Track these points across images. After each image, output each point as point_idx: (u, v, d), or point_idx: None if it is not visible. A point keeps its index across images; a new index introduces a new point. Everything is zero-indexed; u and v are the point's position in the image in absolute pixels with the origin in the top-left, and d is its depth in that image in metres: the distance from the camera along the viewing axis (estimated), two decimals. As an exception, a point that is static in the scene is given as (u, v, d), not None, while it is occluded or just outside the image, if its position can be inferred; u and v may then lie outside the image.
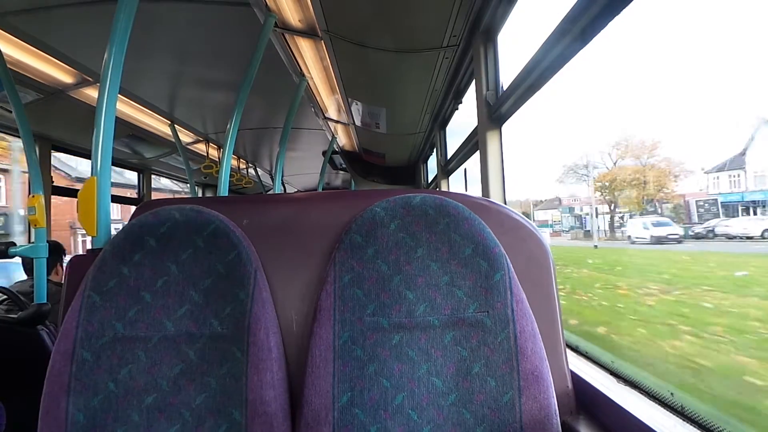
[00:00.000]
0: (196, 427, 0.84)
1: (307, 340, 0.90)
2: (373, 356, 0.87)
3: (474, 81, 1.91)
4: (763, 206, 2.39)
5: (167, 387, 0.86)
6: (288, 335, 0.96)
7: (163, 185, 6.94)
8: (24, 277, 2.56)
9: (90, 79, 2.47)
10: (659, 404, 0.94)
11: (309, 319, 0.94)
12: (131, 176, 4.58)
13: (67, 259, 2.50)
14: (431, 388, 0.86)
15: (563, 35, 1.09)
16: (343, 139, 4.43)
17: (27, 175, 2.22)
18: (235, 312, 0.89)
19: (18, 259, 2.44)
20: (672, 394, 0.94)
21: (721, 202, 2.68)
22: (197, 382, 0.86)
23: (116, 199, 4.12)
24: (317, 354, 0.87)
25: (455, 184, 3.27)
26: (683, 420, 0.88)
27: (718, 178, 2.74)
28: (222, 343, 0.88)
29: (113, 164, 1.27)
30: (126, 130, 3.35)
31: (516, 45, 1.69)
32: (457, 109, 2.80)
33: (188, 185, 4.58)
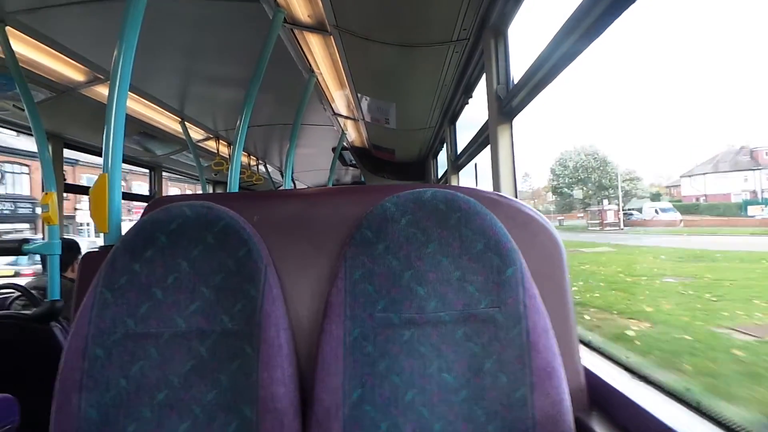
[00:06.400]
0: (207, 423, 0.84)
1: (318, 337, 0.90)
2: (384, 352, 0.87)
3: (484, 75, 1.89)
4: None
5: (178, 383, 0.86)
6: (298, 331, 0.96)
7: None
8: None
9: (101, 76, 2.48)
10: (674, 400, 0.92)
11: (319, 316, 0.94)
12: None
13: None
14: (442, 385, 0.85)
15: (576, 25, 1.07)
16: (352, 135, 4.42)
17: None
18: (246, 308, 0.89)
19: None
20: (688, 389, 0.92)
21: None
22: (208, 379, 0.86)
23: (127, 196, 4.16)
24: (328, 350, 0.87)
25: (465, 179, 3.25)
26: (699, 415, 0.86)
27: None
28: (233, 339, 0.88)
29: (124, 161, 1.28)
30: (137, 127, 3.37)
31: (527, 38, 1.66)
32: (467, 103, 2.77)
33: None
